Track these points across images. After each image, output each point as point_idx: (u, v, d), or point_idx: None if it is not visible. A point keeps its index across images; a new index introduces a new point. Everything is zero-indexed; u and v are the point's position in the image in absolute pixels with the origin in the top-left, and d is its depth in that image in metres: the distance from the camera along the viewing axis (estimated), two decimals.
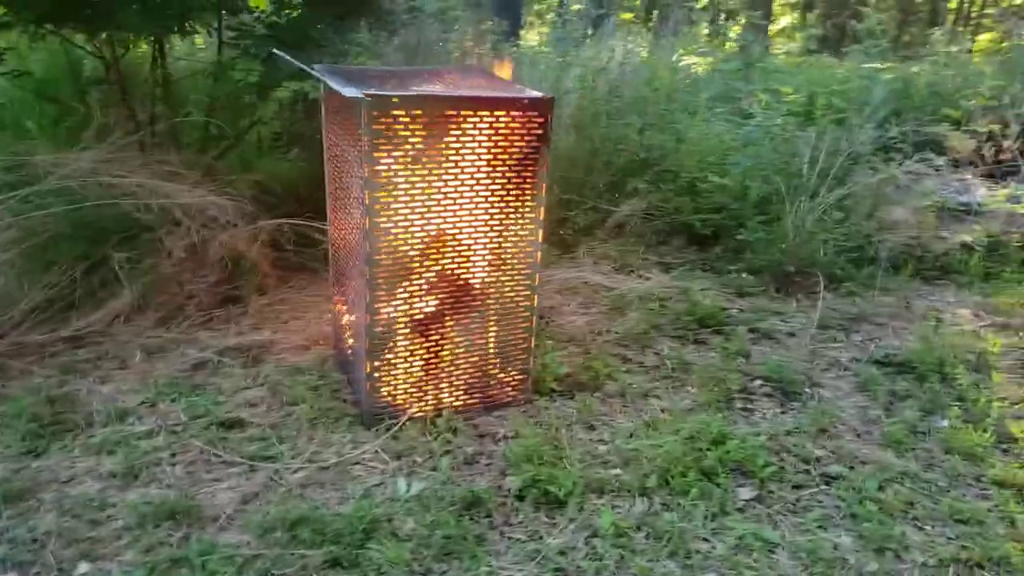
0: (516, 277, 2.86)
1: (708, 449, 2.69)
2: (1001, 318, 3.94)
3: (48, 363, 3.14)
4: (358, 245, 2.68)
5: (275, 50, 3.11)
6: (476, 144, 2.60)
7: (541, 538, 2.28)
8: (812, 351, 3.58)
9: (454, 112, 2.53)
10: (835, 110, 4.68)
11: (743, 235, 4.47)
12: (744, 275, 4.40)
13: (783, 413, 3.09)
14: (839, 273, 4.32)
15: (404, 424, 2.81)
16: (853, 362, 3.50)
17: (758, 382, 3.28)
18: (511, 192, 2.72)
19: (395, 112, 2.45)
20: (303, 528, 2.22)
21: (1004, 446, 2.86)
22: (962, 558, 2.26)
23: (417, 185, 2.56)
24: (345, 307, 3.13)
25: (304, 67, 2.83)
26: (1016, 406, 3.12)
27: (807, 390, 3.24)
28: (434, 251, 2.68)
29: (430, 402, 2.90)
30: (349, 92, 2.37)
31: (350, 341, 3.09)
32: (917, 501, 2.54)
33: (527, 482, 2.46)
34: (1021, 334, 3.73)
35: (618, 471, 2.61)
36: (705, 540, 2.32)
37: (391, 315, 2.70)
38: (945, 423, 3.02)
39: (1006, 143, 5.35)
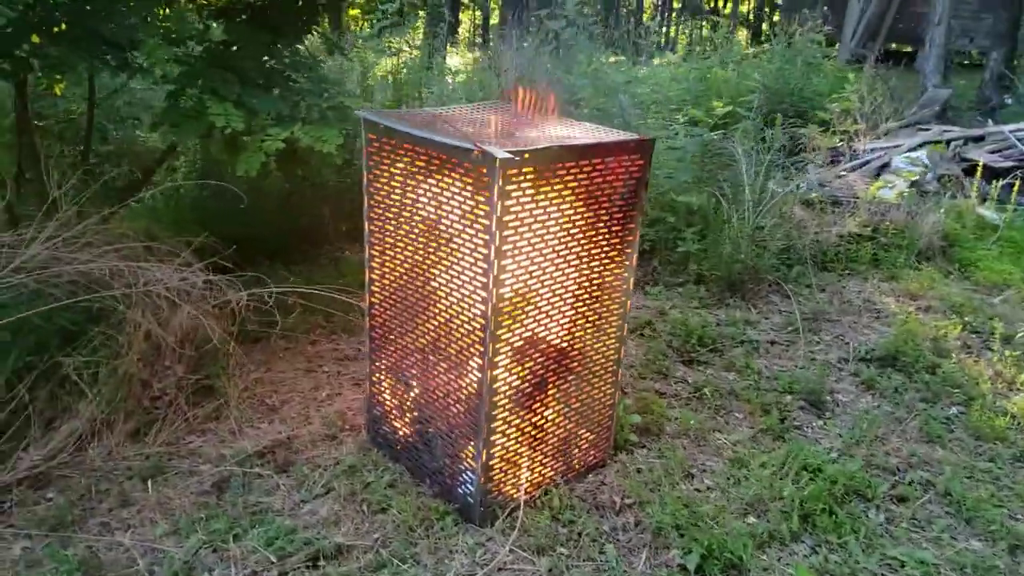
0: (608, 330, 2.71)
1: (811, 479, 2.77)
2: (920, 302, 4.52)
3: (20, 518, 2.38)
4: (449, 308, 2.37)
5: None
6: (584, 192, 2.41)
7: None
8: (805, 356, 3.83)
9: (571, 162, 2.32)
10: (730, 115, 5.00)
11: (682, 247, 4.65)
12: (690, 286, 4.57)
13: (825, 426, 3.27)
14: (776, 275, 4.66)
15: (516, 512, 2.54)
16: (843, 363, 3.81)
17: (788, 398, 3.44)
18: (610, 241, 2.56)
19: (525, 168, 2.19)
20: None
21: (1018, 423, 3.29)
22: None
23: (531, 242, 2.32)
24: (393, 382, 2.75)
25: (365, 115, 2.42)
26: (1001, 384, 3.60)
27: (827, 398, 3.45)
28: (538, 311, 2.45)
29: (530, 479, 2.65)
30: (494, 150, 2.07)
31: (403, 422, 2.73)
32: (997, 492, 2.83)
33: (701, 556, 2.36)
34: (950, 316, 4.30)
35: (754, 520, 2.60)
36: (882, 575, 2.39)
37: (502, 388, 2.42)
38: (953, 410, 3.41)
39: (858, 142, 6.14)
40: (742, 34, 8.17)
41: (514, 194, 2.19)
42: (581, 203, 2.41)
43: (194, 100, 2.73)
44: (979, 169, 6.27)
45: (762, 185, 4.46)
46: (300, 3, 3.30)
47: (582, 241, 2.48)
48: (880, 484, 2.79)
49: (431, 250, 2.44)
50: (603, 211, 2.49)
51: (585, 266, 2.53)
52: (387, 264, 2.66)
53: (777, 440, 3.12)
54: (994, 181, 6.30)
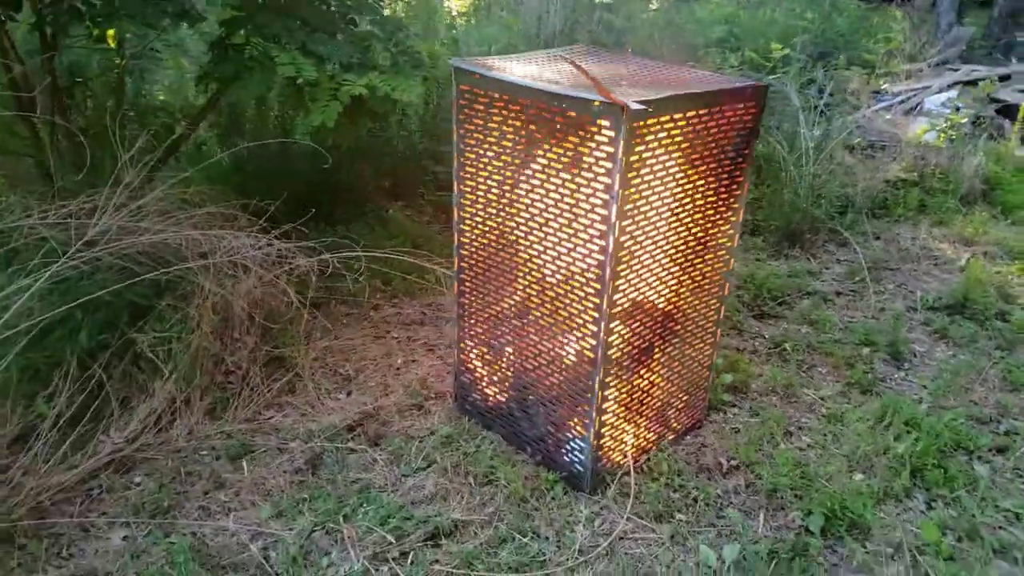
0: (711, 289, 2.62)
1: (908, 432, 2.72)
2: (975, 247, 4.46)
3: (113, 505, 2.28)
4: (557, 272, 2.25)
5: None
6: (701, 143, 2.29)
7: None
8: (874, 307, 3.77)
9: (693, 111, 2.20)
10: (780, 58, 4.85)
11: None
12: (746, 236, 4.48)
13: (907, 377, 3.23)
14: (830, 222, 4.58)
15: (625, 478, 2.47)
16: (911, 312, 3.76)
17: (866, 350, 3.38)
18: (719, 194, 2.45)
19: (651, 121, 2.06)
20: None
21: None
22: None
23: (648, 199, 2.20)
24: (485, 349, 2.66)
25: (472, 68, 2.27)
26: None
27: (904, 349, 3.40)
28: (648, 271, 2.34)
29: (635, 444, 2.58)
30: (625, 100, 1.93)
31: (496, 390, 2.64)
32: None
33: (823, 516, 2.31)
34: (1009, 261, 4.25)
35: (861, 476, 2.55)
36: (1002, 528, 2.36)
37: (613, 353, 2.33)
38: None
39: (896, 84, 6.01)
40: None
41: (637, 148, 2.06)
42: (697, 155, 2.29)
43: (258, 49, 2.54)
44: (1021, 111, 6.17)
45: (822, 131, 4.33)
46: None
47: (694, 196, 2.36)
48: (978, 436, 2.75)
49: (534, 211, 2.32)
50: (715, 163, 2.37)
51: (695, 223, 2.42)
52: (479, 226, 2.53)
53: (865, 394, 3.07)
54: None
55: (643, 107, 1.96)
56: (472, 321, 2.70)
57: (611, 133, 2.01)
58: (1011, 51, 10.72)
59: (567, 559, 2.17)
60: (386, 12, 3.06)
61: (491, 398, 2.73)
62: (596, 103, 2.01)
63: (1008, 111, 6.72)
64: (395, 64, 2.85)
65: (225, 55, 2.69)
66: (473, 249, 2.59)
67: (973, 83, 7.64)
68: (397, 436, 2.66)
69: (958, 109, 6.68)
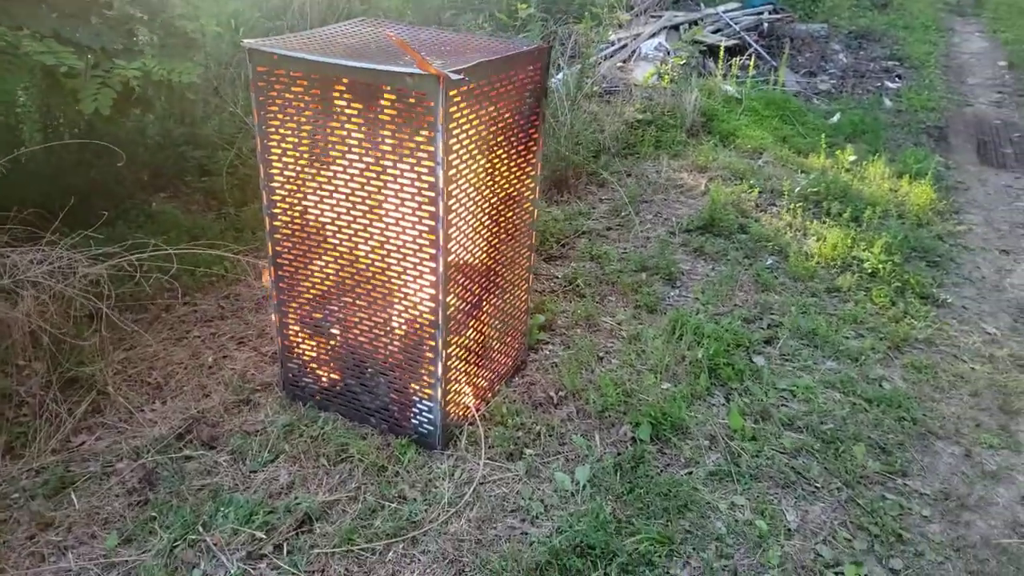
0: (523, 239, 2.77)
1: (696, 341, 3.13)
2: (708, 173, 5.09)
3: None
4: (385, 244, 2.27)
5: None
6: (501, 105, 2.39)
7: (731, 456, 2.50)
8: (640, 236, 4.19)
9: (495, 75, 2.29)
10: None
11: None
12: None
13: (682, 294, 3.66)
14: (588, 166, 4.95)
15: (472, 428, 2.59)
16: (671, 236, 4.23)
17: (643, 275, 3.76)
18: (519, 151, 2.59)
19: (465, 89, 2.12)
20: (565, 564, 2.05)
21: (820, 262, 3.93)
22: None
23: (465, 161, 2.27)
24: (311, 331, 2.59)
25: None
26: (797, 232, 4.23)
27: (673, 269, 3.83)
28: (471, 230, 2.43)
29: (473, 395, 2.69)
30: (442, 70, 1.97)
31: (328, 369, 2.60)
32: (827, 320, 3.41)
33: (650, 425, 2.60)
34: (736, 182, 4.91)
35: (669, 384, 2.89)
36: (784, 405, 2.82)
37: (452, 312, 2.40)
38: (770, 260, 3.98)
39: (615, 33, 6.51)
40: None
41: (455, 115, 2.11)
42: (500, 115, 2.39)
43: (6, 40, 2.18)
44: (721, 50, 7.02)
45: (575, 83, 4.64)
46: None
47: (501, 154, 2.47)
48: (750, 333, 3.22)
49: (354, 186, 2.29)
50: (515, 121, 2.49)
51: (504, 179, 2.53)
52: (292, 209, 2.44)
53: (652, 313, 3.44)
54: (730, 58, 7.11)
55: (460, 76, 2.01)
56: (294, 305, 2.61)
57: (430, 103, 2.04)
58: None
59: (439, 514, 2.24)
60: None
61: (324, 379, 2.67)
62: (413, 76, 2.02)
63: (710, 50, 7.62)
64: (164, 47, 2.59)
65: None
66: (288, 232, 2.49)
67: (675, 27, 8.53)
68: (233, 434, 2.53)
69: (669, 53, 7.45)
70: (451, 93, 2.05)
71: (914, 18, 11.46)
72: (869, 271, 3.82)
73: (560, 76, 5.33)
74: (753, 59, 7.51)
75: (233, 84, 4.29)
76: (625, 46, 7.79)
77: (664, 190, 4.83)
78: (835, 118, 6.59)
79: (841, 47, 9.37)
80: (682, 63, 6.10)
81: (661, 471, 2.45)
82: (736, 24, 8.65)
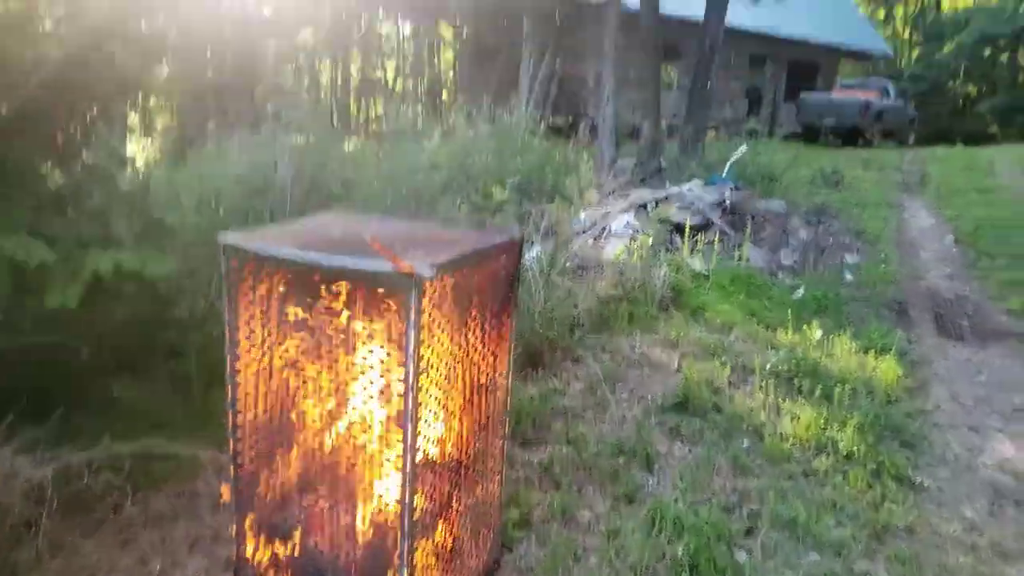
0: (495, 430, 2.69)
1: (678, 535, 2.99)
2: (681, 348, 5.11)
3: None
4: (349, 442, 2.18)
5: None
6: (474, 296, 2.40)
7: None
8: (617, 418, 4.12)
9: (469, 267, 2.31)
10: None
11: None
12: None
13: (659, 481, 3.55)
14: (562, 342, 4.96)
15: None
16: (647, 416, 4.16)
17: (621, 460, 3.66)
18: (492, 340, 2.57)
19: (438, 282, 2.12)
20: None
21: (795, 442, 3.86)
22: None
23: (438, 353, 2.24)
24: (269, 534, 2.43)
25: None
26: (771, 412, 4.19)
27: (650, 452, 3.74)
28: (441, 423, 2.36)
29: None
30: (418, 265, 1.97)
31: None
32: (807, 506, 3.30)
33: None
34: (709, 358, 4.92)
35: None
36: None
37: (418, 515, 2.27)
38: (746, 442, 3.90)
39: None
40: (458, 116, 8.67)
41: (426, 309, 2.10)
42: (472, 305, 2.39)
43: None
44: (687, 227, 7.30)
45: (549, 260, 4.75)
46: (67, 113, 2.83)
47: (473, 343, 2.44)
48: (729, 523, 3.09)
49: (321, 383, 2.23)
50: (487, 310, 2.49)
51: (475, 368, 2.49)
52: (256, 405, 2.36)
53: (631, 503, 3.30)
54: (695, 235, 7.39)
55: (432, 273, 2.02)
56: (253, 508, 2.46)
57: (403, 298, 2.03)
58: (660, 174, 12.76)
59: None
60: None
61: None
62: (386, 273, 2.02)
63: (676, 227, 7.93)
64: (140, 235, 2.62)
65: None
66: (251, 429, 2.39)
67: (643, 206, 8.93)
68: None
69: (637, 230, 7.74)
70: (424, 286, 2.05)
71: (866, 195, 12.16)
72: (844, 453, 3.75)
73: (534, 252, 5.46)
74: (718, 235, 7.81)
75: (209, 263, 4.30)
76: (596, 224, 8.09)
77: (638, 366, 4.82)
78: (799, 292, 6.77)
79: (801, 223, 9.81)
80: (650, 241, 6.31)
81: None
82: (700, 202, 9.08)
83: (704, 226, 8.41)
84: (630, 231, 7.72)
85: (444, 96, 28.75)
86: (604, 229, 8.00)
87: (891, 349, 5.04)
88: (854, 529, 3.15)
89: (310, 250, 2.21)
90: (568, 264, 6.05)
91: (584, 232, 7.71)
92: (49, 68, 2.72)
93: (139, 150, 3.77)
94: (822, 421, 4.00)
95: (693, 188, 9.61)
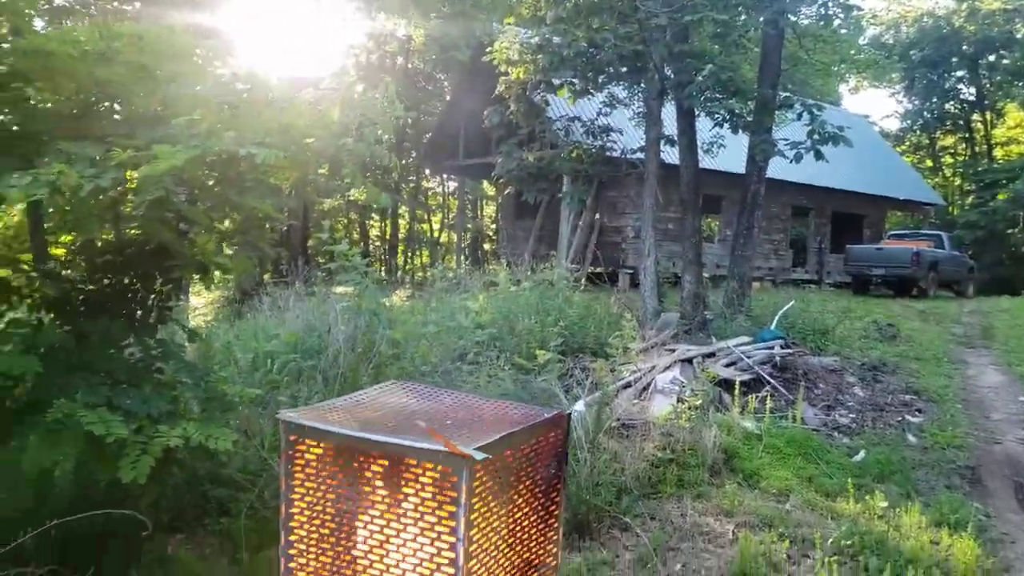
0: None
1: None
2: (736, 518, 5.04)
3: None
4: None
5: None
6: (522, 472, 2.51)
7: None
8: None
9: (517, 447, 2.43)
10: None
11: None
12: None
13: None
14: (609, 509, 4.94)
15: None
16: None
17: None
18: (540, 516, 2.65)
19: (492, 462, 2.25)
20: None
21: None
22: None
23: (484, 531, 2.32)
24: None
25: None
26: None
27: None
28: None
29: None
30: (466, 449, 2.11)
31: None
32: None
33: None
34: (765, 530, 4.84)
35: None
36: None
37: None
38: None
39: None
40: (501, 271, 9.11)
41: (477, 489, 2.21)
42: (520, 482, 2.49)
43: (62, 413, 2.39)
44: (736, 385, 7.34)
45: (593, 423, 4.83)
46: (144, 290, 3.14)
47: (521, 520, 2.53)
48: None
49: (372, 557, 2.32)
50: (536, 486, 2.58)
51: (523, 545, 2.56)
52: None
53: None
54: (746, 393, 7.40)
55: (483, 454, 2.15)
56: None
57: (455, 479, 2.16)
58: (706, 328, 12.89)
59: None
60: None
61: None
62: (440, 453, 2.16)
63: (725, 384, 7.96)
64: (205, 410, 2.82)
65: (21, 420, 2.50)
66: None
67: (689, 360, 9.00)
68: None
69: (683, 386, 7.79)
70: (475, 468, 2.17)
71: (924, 349, 12.05)
72: None
73: (579, 410, 5.54)
74: (769, 393, 7.80)
75: (261, 420, 4.50)
76: (640, 379, 8.17)
77: (690, 537, 4.74)
78: (859, 456, 6.65)
79: (856, 379, 9.74)
80: (698, 403, 6.35)
81: None
82: (749, 358, 9.12)
83: (754, 383, 8.42)
84: (676, 387, 7.77)
85: (486, 246, 29.89)
86: (649, 385, 8.06)
87: (966, 524, 4.87)
88: None
89: (364, 428, 2.37)
90: (613, 424, 6.10)
91: (628, 388, 7.78)
92: (133, 249, 3.05)
93: (195, 313, 4.10)
94: None
95: (741, 343, 9.69)
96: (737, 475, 5.89)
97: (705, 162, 15.01)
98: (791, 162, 12.36)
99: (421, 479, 2.22)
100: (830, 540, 4.56)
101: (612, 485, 5.07)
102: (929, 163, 40.74)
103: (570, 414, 2.74)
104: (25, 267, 2.88)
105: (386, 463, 2.27)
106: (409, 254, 31.19)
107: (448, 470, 2.16)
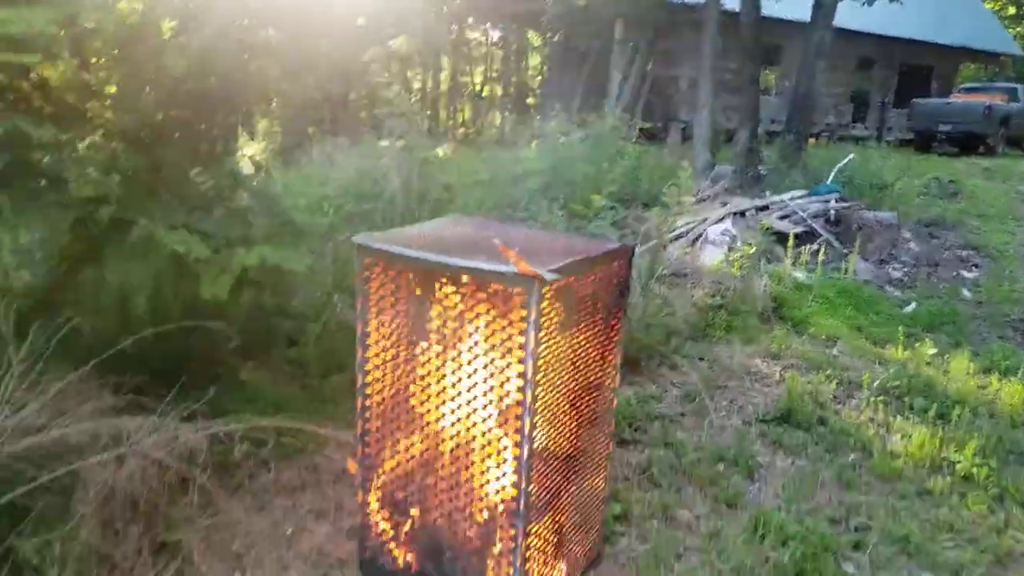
0: (602, 427, 2.89)
1: (782, 542, 3.10)
2: (783, 361, 5.18)
3: None
4: (471, 429, 2.42)
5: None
6: (588, 300, 2.61)
7: None
8: (716, 425, 4.24)
9: (583, 273, 2.52)
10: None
11: None
12: None
13: (760, 489, 3.65)
14: (660, 348, 5.11)
15: None
16: (747, 426, 4.27)
17: (721, 466, 3.79)
18: (602, 342, 2.77)
19: (557, 286, 2.34)
20: None
21: (907, 461, 3.89)
22: None
23: (554, 352, 2.46)
24: (393, 509, 2.70)
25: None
26: (880, 428, 4.23)
27: (751, 462, 3.84)
28: (554, 417, 2.57)
29: None
30: (540, 271, 2.20)
31: (406, 550, 2.67)
32: (921, 525, 3.34)
33: None
34: (812, 372, 4.98)
35: None
36: None
37: (532, 501, 2.48)
38: (851, 457, 3.96)
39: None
40: (556, 122, 8.98)
41: (546, 311, 2.32)
42: (585, 309, 2.60)
43: (146, 232, 2.54)
44: (790, 237, 7.32)
45: (646, 270, 4.92)
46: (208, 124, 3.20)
47: (585, 345, 2.65)
48: (837, 536, 3.18)
49: (445, 372, 2.48)
50: (599, 314, 2.69)
51: (587, 367, 2.70)
52: (383, 391, 2.64)
53: (732, 508, 3.43)
54: (799, 245, 7.39)
55: (553, 276, 2.24)
56: (376, 484, 2.74)
57: (526, 299, 2.26)
58: (759, 182, 12.68)
59: None
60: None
61: (400, 559, 2.75)
62: (512, 275, 2.25)
63: (777, 237, 7.94)
64: (277, 236, 2.95)
65: (108, 240, 2.65)
66: (377, 412, 2.67)
67: (742, 213, 8.94)
68: None
69: (735, 238, 7.79)
70: (544, 291, 2.27)
71: (987, 207, 11.76)
72: (962, 474, 3.76)
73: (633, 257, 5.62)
74: (823, 246, 7.77)
75: (324, 259, 4.68)
76: (691, 231, 8.18)
77: (738, 377, 4.92)
78: (910, 307, 6.68)
79: (912, 235, 9.62)
80: (752, 251, 6.38)
81: None
82: (803, 212, 9.03)
83: (807, 236, 8.37)
84: (727, 239, 7.78)
85: (530, 101, 29.17)
86: (700, 236, 8.08)
87: (1016, 371, 4.94)
88: (974, 553, 3.16)
89: (436, 251, 2.47)
90: (664, 272, 6.19)
91: (679, 239, 7.81)
92: (197, 81, 3.09)
93: (249, 157, 4.17)
94: (937, 441, 4.00)
95: (796, 196, 9.56)
96: (786, 323, 6.00)
97: (768, 8, 14.20)
98: (863, 5, 11.63)
99: (493, 300, 2.34)
100: (876, 382, 4.69)
101: (662, 328, 5.22)
102: (1012, 10, 37.92)
103: (634, 246, 2.81)
104: (107, 100, 2.95)
105: (458, 284, 2.38)
106: (452, 108, 30.66)
107: (520, 291, 2.27)
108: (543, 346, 2.34)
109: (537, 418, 2.39)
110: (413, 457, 2.62)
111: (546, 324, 2.33)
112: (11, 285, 3.13)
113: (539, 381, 2.35)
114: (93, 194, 2.55)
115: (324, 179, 6.67)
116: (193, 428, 2.67)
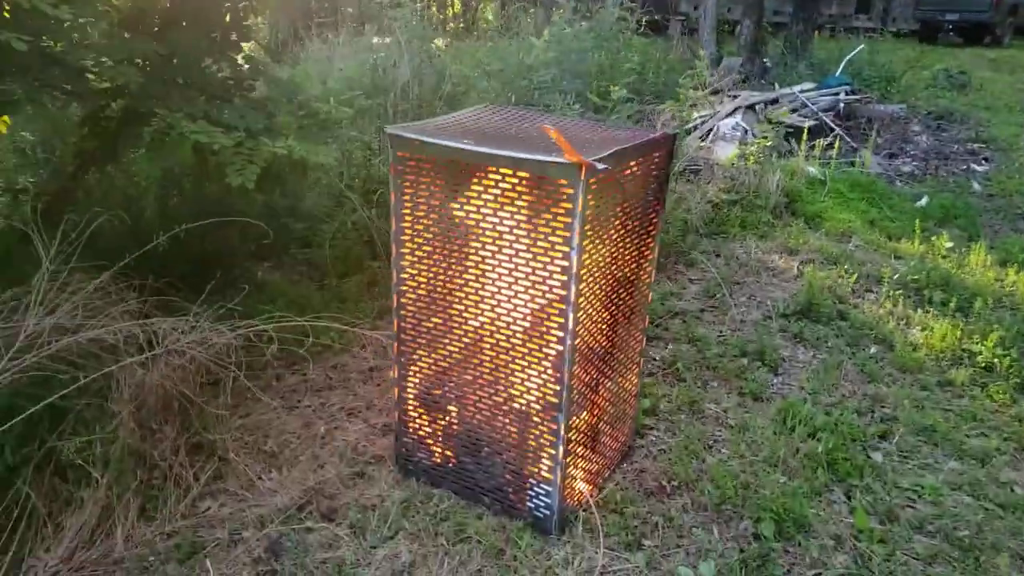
0: (637, 323, 2.85)
1: (810, 433, 3.13)
2: (800, 256, 5.14)
3: None
4: (512, 325, 2.37)
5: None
6: (627, 191, 2.52)
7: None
8: (736, 320, 4.24)
9: (626, 163, 2.42)
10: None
11: None
12: None
13: (784, 381, 3.67)
14: (676, 245, 5.05)
15: (588, 514, 2.62)
16: (767, 320, 4.26)
17: (744, 360, 3.79)
18: (639, 235, 2.70)
19: (601, 176, 2.25)
20: None
21: (928, 354, 3.91)
22: None
23: (595, 244, 2.39)
24: (430, 407, 2.69)
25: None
26: (900, 321, 4.23)
27: (774, 356, 3.85)
28: (593, 311, 2.52)
29: (586, 479, 2.73)
30: (585, 159, 2.10)
31: (444, 446, 2.68)
32: (944, 415, 3.38)
33: (773, 522, 2.60)
34: (829, 266, 4.95)
35: (784, 478, 2.90)
36: (910, 506, 2.79)
37: (574, 395, 2.47)
38: (873, 349, 3.97)
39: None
40: (556, 12, 8.57)
41: (591, 202, 2.24)
42: (627, 201, 2.52)
43: (164, 122, 2.40)
44: (804, 131, 7.15)
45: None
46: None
47: (625, 238, 2.58)
48: (864, 427, 3.22)
49: (485, 267, 2.42)
50: (639, 206, 2.61)
51: (625, 262, 2.64)
52: (419, 288, 2.58)
53: (757, 401, 3.46)
54: (815, 140, 7.24)
55: (602, 165, 2.14)
56: (413, 380, 2.72)
57: (571, 190, 2.17)
58: (766, 75, 12.34)
59: None
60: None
61: (437, 455, 2.76)
62: (557, 164, 2.15)
63: (788, 130, 7.76)
64: (301, 127, 2.82)
65: (127, 134, 2.51)
66: (414, 309, 2.62)
67: (751, 107, 8.72)
68: (350, 508, 2.61)
69: (747, 132, 7.62)
70: (590, 181, 2.18)
71: (996, 99, 11.51)
72: (983, 365, 3.78)
73: None
74: (834, 140, 7.62)
75: (342, 161, 4.54)
76: (702, 125, 7.98)
77: (755, 272, 4.88)
78: (923, 201, 6.60)
79: (921, 128, 9.43)
80: (768, 143, 6.23)
81: (788, 571, 2.44)
82: (813, 105, 8.81)
83: (818, 129, 8.19)
84: (738, 133, 7.61)
85: None
86: (712, 131, 7.90)
87: None
88: (998, 441, 3.20)
89: (474, 141, 2.35)
90: (680, 167, 6.06)
91: (690, 134, 7.63)
92: None
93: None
94: (958, 333, 4.00)
95: (805, 89, 9.31)
96: (800, 218, 5.93)
97: None
98: None
99: (536, 191, 2.24)
100: (895, 275, 4.66)
101: (679, 224, 5.15)
102: None
103: (675, 135, 2.70)
104: None
105: (500, 175, 2.28)
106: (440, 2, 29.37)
107: (564, 181, 2.17)
108: (587, 239, 2.27)
109: (579, 313, 2.35)
110: (451, 354, 2.59)
111: (590, 216, 2.25)
112: (25, 184, 3.01)
113: (582, 276, 2.29)
114: (110, 83, 2.40)
115: (324, 75, 6.42)
116: (223, 329, 2.62)
